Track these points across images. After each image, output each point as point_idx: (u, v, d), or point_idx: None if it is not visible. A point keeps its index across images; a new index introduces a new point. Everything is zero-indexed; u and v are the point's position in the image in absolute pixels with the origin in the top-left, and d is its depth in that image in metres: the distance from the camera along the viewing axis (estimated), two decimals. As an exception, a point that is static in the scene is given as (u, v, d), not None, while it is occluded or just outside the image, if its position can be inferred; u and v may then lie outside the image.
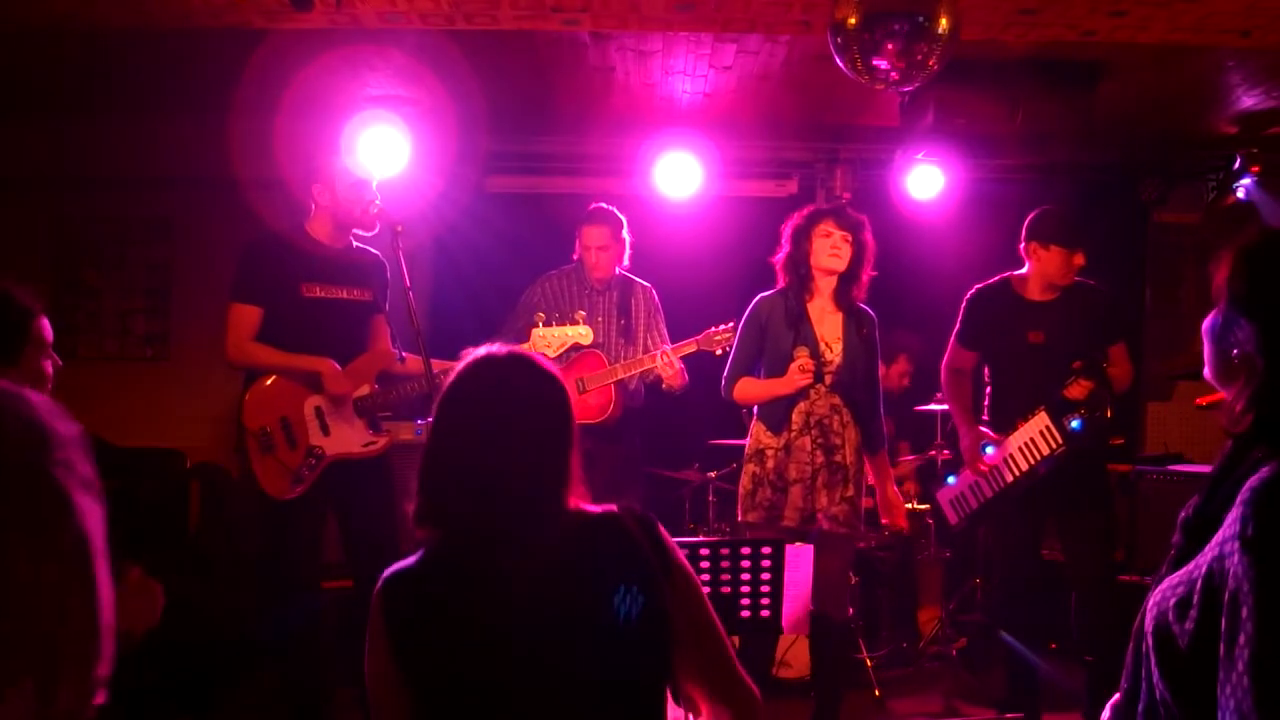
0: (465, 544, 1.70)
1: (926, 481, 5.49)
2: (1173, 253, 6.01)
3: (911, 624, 5.34)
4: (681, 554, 1.78)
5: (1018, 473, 3.92)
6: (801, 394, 3.68)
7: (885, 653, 5.00)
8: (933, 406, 5.17)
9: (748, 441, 3.80)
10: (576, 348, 4.13)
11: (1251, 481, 1.25)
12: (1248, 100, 4.97)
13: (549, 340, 3.98)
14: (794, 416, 3.69)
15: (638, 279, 4.53)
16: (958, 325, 4.13)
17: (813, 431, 3.68)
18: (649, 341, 4.44)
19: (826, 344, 3.74)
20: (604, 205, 4.50)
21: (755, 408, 3.82)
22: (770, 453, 3.70)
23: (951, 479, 4.30)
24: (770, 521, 3.65)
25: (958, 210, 5.36)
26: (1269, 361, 1.40)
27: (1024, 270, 4.03)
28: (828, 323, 3.78)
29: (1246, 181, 5.44)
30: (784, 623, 2.88)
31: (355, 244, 3.82)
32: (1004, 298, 4.05)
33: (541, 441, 1.72)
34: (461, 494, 1.70)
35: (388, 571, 1.72)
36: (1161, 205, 5.71)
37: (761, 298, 3.85)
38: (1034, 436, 3.89)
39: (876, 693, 4.56)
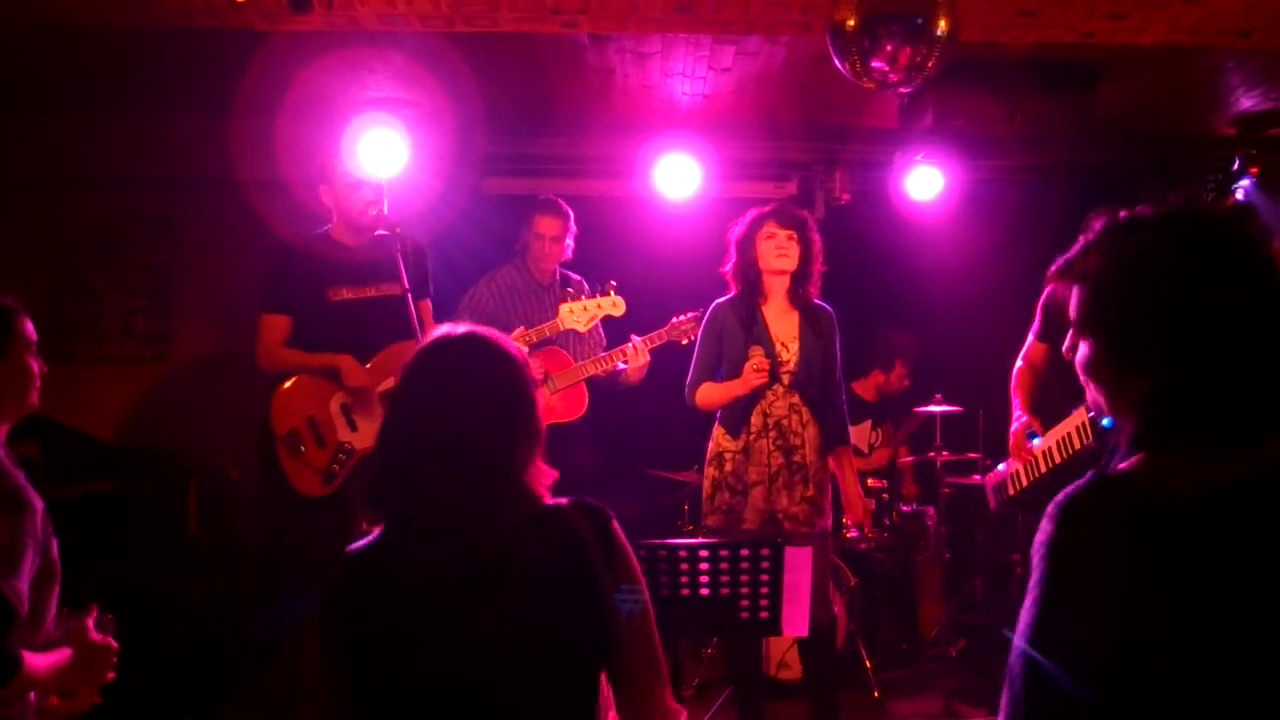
0: (408, 529, 1.67)
1: (926, 482, 5.50)
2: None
3: (911, 625, 5.34)
4: (632, 553, 1.73)
5: (1051, 464, 3.95)
6: (759, 394, 3.69)
7: (884, 654, 5.00)
8: (931, 408, 5.17)
9: (709, 445, 3.80)
10: (609, 320, 4.09)
11: (1058, 496, 1.35)
12: (1247, 101, 4.97)
13: (578, 314, 3.93)
14: (752, 418, 3.69)
15: (572, 274, 4.53)
16: (1036, 320, 4.17)
17: (771, 433, 3.68)
18: (591, 336, 4.43)
19: (782, 344, 3.75)
20: (555, 197, 4.50)
21: (719, 412, 3.82)
22: (729, 456, 3.70)
23: (1001, 465, 4.35)
24: (730, 524, 3.65)
25: (957, 211, 5.36)
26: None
27: None
28: (783, 323, 3.79)
29: (1245, 183, 5.44)
30: (783, 624, 2.88)
31: (380, 233, 3.81)
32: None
33: (490, 426, 1.67)
34: (405, 479, 1.67)
35: (348, 547, 1.71)
36: (1161, 206, 5.71)
37: (717, 303, 3.86)
38: (1071, 431, 3.92)
39: (876, 694, 4.57)
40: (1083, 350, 1.42)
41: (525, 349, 3.92)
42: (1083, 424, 3.89)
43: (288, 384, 3.67)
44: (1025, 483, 4.09)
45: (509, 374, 1.72)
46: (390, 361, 3.76)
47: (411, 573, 1.65)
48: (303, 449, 3.62)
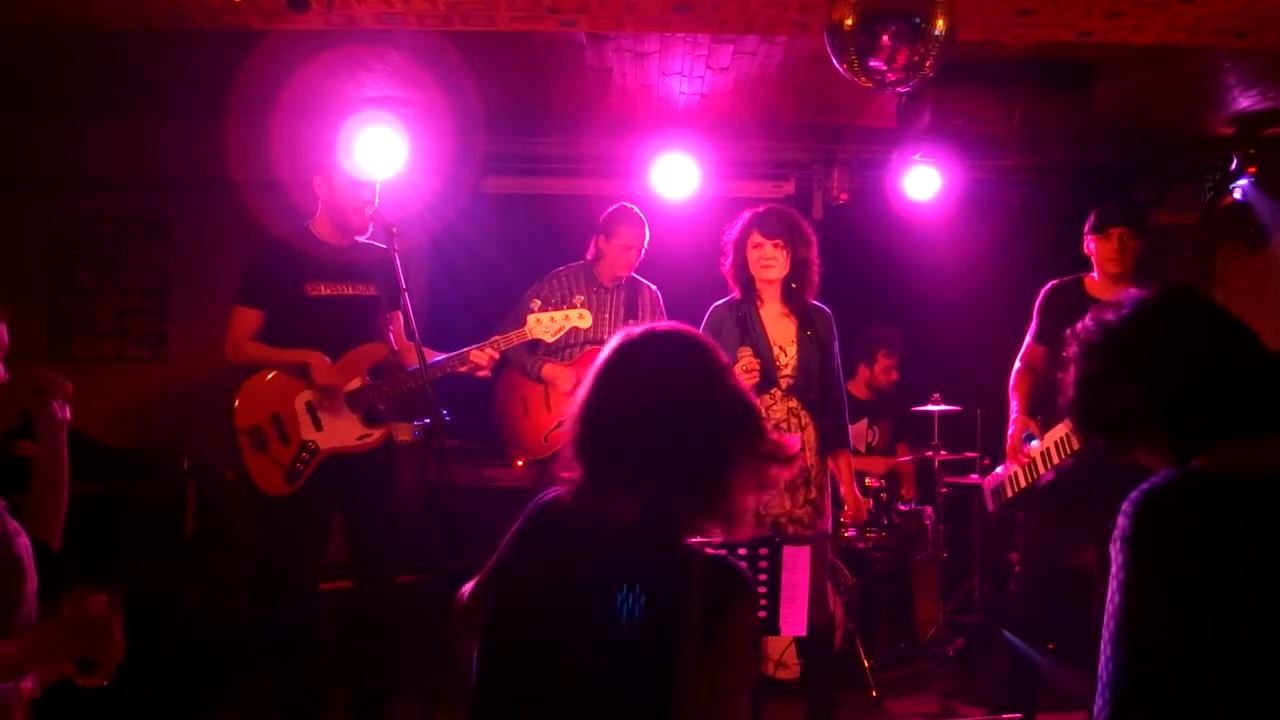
0: (592, 488, 1.66)
1: (924, 482, 5.50)
2: (1169, 253, 6.02)
3: (909, 625, 5.34)
4: (743, 639, 1.62)
5: (1049, 466, 3.94)
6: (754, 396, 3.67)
7: (882, 654, 5.00)
8: (929, 407, 5.17)
9: None
10: (575, 332, 4.13)
11: (1133, 493, 1.47)
12: (1244, 101, 4.97)
13: (545, 325, 3.96)
14: None
15: (644, 280, 4.55)
16: (1033, 322, 4.16)
17: None
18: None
19: (780, 348, 3.74)
20: (631, 206, 4.53)
21: None
22: None
23: (999, 468, 4.34)
24: None
25: (955, 211, 5.36)
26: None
27: (1095, 271, 4.10)
28: (780, 326, 3.77)
29: (1243, 182, 5.44)
30: (781, 624, 2.88)
31: (360, 239, 3.83)
32: (1073, 293, 4.07)
33: (697, 449, 1.62)
34: (607, 450, 1.65)
35: (541, 498, 1.74)
36: (1158, 206, 5.71)
37: (715, 306, 3.86)
38: (1070, 433, 3.89)
39: (874, 694, 4.56)
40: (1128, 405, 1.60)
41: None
42: None
43: (255, 379, 3.65)
44: (1024, 485, 4.07)
45: (738, 400, 1.69)
46: (358, 361, 3.74)
47: (569, 526, 1.67)
48: (267, 445, 3.60)
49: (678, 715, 1.52)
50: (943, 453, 5.12)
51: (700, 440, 1.62)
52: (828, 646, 3.87)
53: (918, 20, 3.10)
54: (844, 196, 5.57)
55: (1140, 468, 3.99)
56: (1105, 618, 1.43)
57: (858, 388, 5.59)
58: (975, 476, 5.04)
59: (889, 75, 3.21)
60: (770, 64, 4.51)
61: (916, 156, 5.17)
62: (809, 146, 5.62)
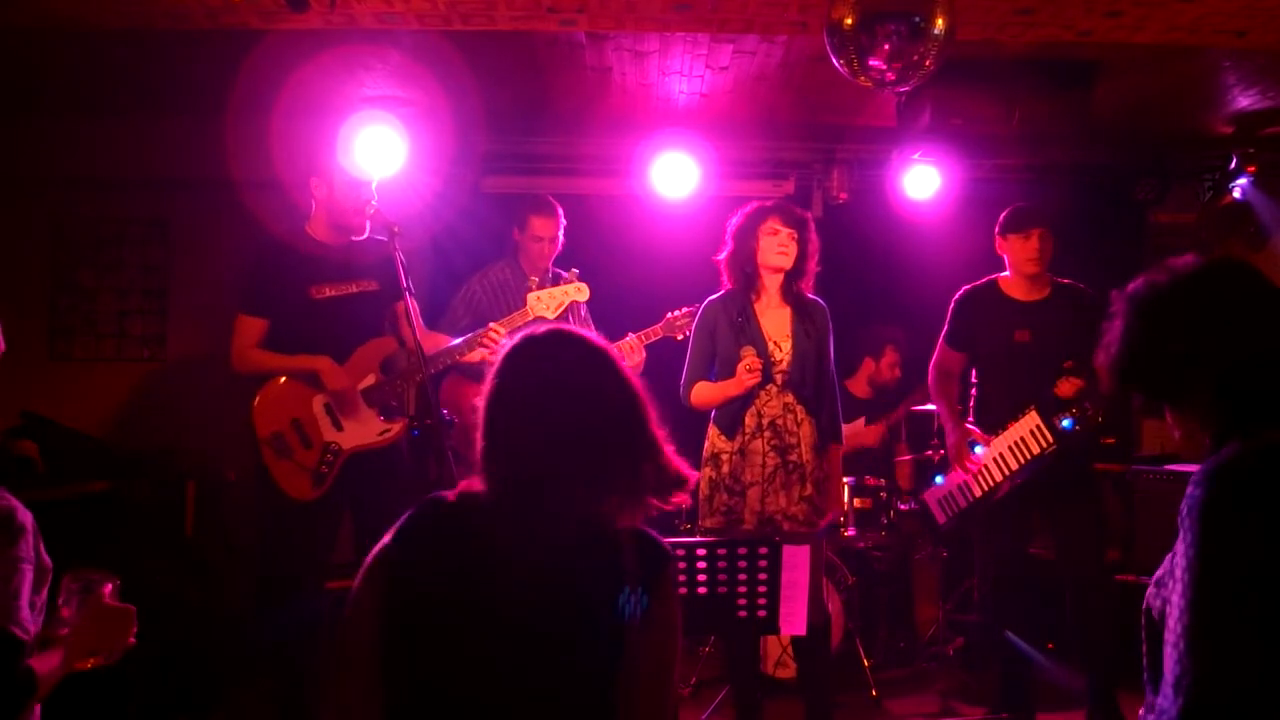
0: (489, 506, 1.68)
1: (924, 481, 5.50)
2: (1169, 253, 5.98)
3: (909, 624, 5.34)
4: (675, 604, 1.70)
5: (1008, 472, 3.93)
6: (753, 394, 3.68)
7: (882, 653, 5.00)
8: (929, 407, 5.17)
9: (705, 445, 3.79)
10: (575, 306, 4.10)
11: (1206, 463, 1.39)
12: (1244, 100, 4.97)
13: (546, 302, 3.94)
14: (747, 419, 3.68)
15: (564, 272, 4.54)
16: (945, 327, 4.18)
17: (766, 433, 3.67)
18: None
19: (775, 342, 3.74)
20: (547, 197, 4.51)
21: (713, 412, 3.81)
22: (725, 457, 3.69)
23: (939, 479, 4.32)
24: (729, 525, 3.65)
25: (955, 210, 5.36)
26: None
27: (1007, 271, 4.12)
28: (776, 320, 3.78)
29: (1243, 181, 5.44)
30: (781, 623, 2.88)
31: (355, 238, 3.82)
32: (991, 298, 4.11)
33: (598, 442, 1.69)
34: (511, 461, 1.68)
35: (431, 496, 1.73)
36: (1158, 205, 5.71)
37: (709, 301, 3.85)
38: (1024, 436, 3.90)
39: (874, 693, 4.56)
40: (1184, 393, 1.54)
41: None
42: (1036, 428, 3.87)
43: (271, 385, 3.64)
44: (979, 492, 4.05)
45: (634, 401, 1.77)
46: (368, 358, 3.73)
47: (480, 543, 1.66)
48: (291, 451, 3.60)
49: (621, 689, 1.60)
50: (942, 451, 5.11)
51: (612, 428, 1.72)
52: (825, 645, 3.87)
53: (917, 20, 3.10)
54: (844, 196, 5.57)
55: (1084, 452, 3.91)
56: (1173, 604, 1.32)
57: (857, 386, 5.59)
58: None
59: (889, 74, 3.21)
60: (770, 63, 4.51)
61: (916, 156, 5.18)
62: (809, 146, 5.62)
